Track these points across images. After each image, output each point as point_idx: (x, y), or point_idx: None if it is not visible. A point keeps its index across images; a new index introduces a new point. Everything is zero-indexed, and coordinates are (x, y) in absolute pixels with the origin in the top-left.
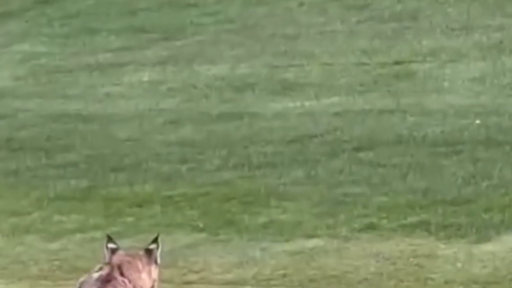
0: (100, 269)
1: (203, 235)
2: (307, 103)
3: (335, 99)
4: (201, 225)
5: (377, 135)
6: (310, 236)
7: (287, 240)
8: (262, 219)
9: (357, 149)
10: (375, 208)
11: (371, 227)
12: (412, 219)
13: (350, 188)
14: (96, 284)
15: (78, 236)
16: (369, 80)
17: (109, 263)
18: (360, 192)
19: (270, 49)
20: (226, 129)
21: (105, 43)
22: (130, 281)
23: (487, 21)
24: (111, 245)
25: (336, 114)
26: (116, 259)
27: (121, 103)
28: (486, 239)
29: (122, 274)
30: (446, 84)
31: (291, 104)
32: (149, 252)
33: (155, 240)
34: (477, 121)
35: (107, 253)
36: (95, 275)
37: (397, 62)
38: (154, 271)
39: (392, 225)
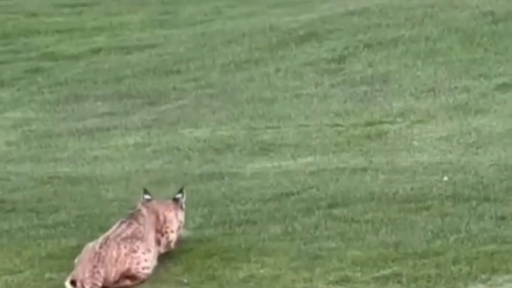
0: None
1: None
2: (284, 163)
3: (310, 159)
4: (185, 280)
5: (350, 192)
6: None
7: None
8: (242, 274)
9: (332, 206)
10: (350, 262)
11: (345, 280)
12: (384, 272)
13: (325, 242)
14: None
15: None
16: (342, 141)
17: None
18: (335, 247)
19: (248, 113)
20: (208, 188)
21: (92, 109)
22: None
23: (453, 83)
24: (146, 196)
25: (312, 173)
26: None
27: (108, 166)
28: None
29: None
30: (415, 143)
31: (269, 164)
32: (176, 200)
33: (180, 191)
34: (445, 178)
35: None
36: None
37: (368, 123)
38: (181, 215)
39: (366, 277)
